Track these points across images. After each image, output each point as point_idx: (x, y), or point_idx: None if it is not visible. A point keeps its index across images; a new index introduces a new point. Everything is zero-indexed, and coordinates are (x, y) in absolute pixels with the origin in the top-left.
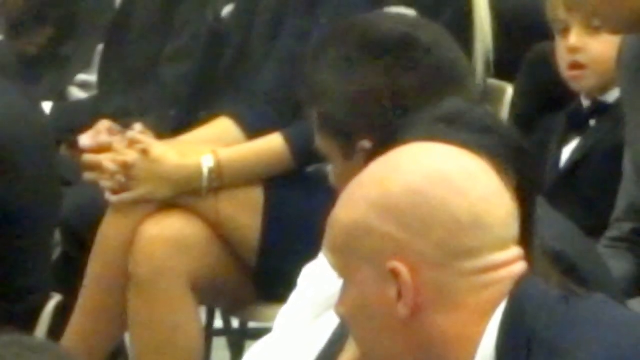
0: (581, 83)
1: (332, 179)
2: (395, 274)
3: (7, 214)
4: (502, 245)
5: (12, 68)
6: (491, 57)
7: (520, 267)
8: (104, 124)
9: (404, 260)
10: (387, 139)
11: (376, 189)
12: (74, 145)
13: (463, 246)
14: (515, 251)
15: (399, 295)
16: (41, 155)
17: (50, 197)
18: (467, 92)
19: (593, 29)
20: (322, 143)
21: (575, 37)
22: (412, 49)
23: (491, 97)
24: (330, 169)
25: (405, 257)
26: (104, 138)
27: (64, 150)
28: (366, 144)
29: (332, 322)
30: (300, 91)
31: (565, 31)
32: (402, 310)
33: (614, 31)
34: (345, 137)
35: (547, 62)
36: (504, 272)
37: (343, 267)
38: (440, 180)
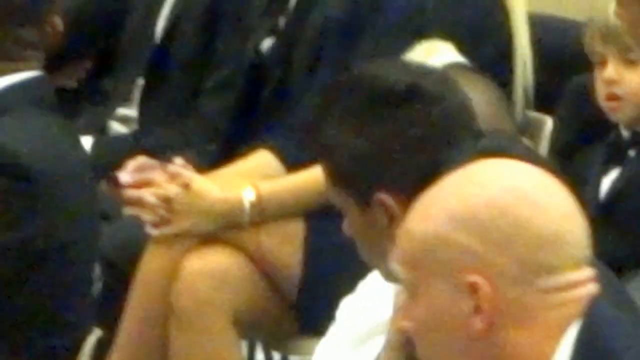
0: (618, 114)
1: (348, 229)
2: (474, 287)
3: (48, 249)
4: (578, 265)
5: (51, 102)
6: (531, 89)
7: (591, 288)
8: (139, 160)
9: (483, 274)
10: (406, 189)
11: (456, 202)
12: (113, 182)
13: (543, 263)
14: (588, 272)
15: (476, 309)
16: (81, 189)
17: (90, 232)
18: (477, 134)
19: (629, 61)
20: (334, 196)
21: (611, 69)
22: (419, 99)
23: (531, 129)
24: (345, 221)
25: (485, 271)
26: (144, 173)
27: (104, 185)
28: (383, 196)
29: (371, 354)
30: (309, 145)
31: (602, 63)
32: (478, 324)
33: None
34: (360, 191)
35: (587, 94)
36: (578, 292)
37: (414, 280)
38: (522, 196)
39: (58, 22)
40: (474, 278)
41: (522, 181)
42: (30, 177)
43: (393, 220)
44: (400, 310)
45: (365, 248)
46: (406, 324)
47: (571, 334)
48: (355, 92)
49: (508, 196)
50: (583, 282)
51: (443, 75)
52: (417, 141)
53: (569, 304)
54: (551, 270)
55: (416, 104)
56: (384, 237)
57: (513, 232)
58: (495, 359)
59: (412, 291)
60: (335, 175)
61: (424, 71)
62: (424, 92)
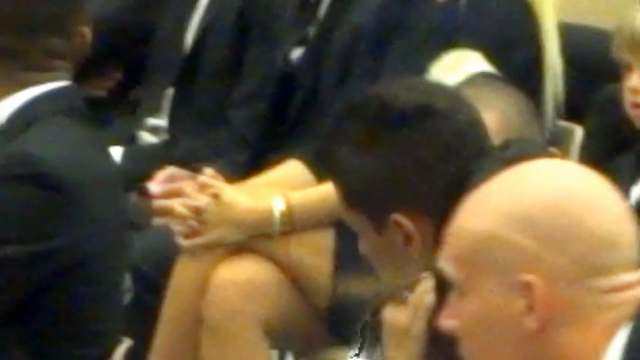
0: None
1: (363, 249)
2: (527, 286)
3: (78, 258)
4: (629, 267)
5: (81, 112)
6: (561, 99)
7: None
8: (168, 171)
9: (537, 273)
10: (421, 208)
11: (510, 201)
12: (143, 192)
13: (597, 263)
14: (638, 275)
15: (529, 308)
16: (110, 199)
17: (120, 242)
18: (489, 151)
19: None
20: (349, 217)
21: (637, 78)
22: (430, 118)
23: (561, 138)
24: (360, 240)
25: (539, 270)
26: (173, 184)
27: (134, 196)
28: (398, 217)
29: None
30: (321, 166)
31: (629, 71)
32: (531, 323)
33: None
34: (375, 213)
35: (616, 104)
36: (629, 294)
37: (465, 278)
38: (576, 196)
39: (87, 33)
40: (529, 277)
41: (575, 181)
42: (60, 187)
43: (409, 240)
44: (446, 309)
45: (381, 267)
46: (452, 323)
47: (622, 335)
48: (365, 114)
49: (564, 196)
50: (634, 284)
51: (453, 93)
52: (430, 160)
53: (621, 306)
54: (605, 271)
55: (427, 124)
56: (400, 257)
57: (569, 232)
58: (545, 359)
59: (462, 289)
60: (349, 197)
61: (434, 90)
62: (435, 111)
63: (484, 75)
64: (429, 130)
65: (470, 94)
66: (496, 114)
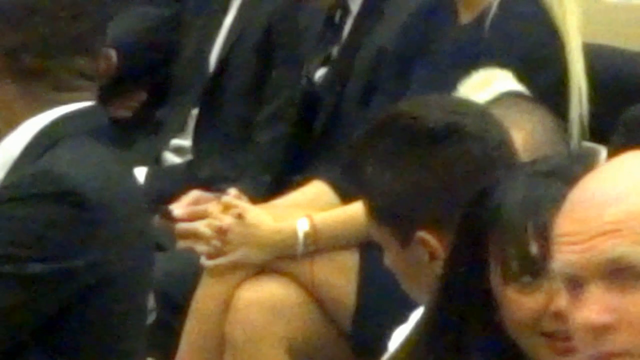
0: None
1: (388, 264)
2: None
3: (103, 278)
4: None
5: (106, 133)
6: (586, 119)
7: None
8: (193, 194)
9: None
10: (447, 226)
11: None
12: (167, 215)
13: None
14: None
15: None
16: (135, 220)
17: (145, 261)
18: (517, 170)
19: None
20: (375, 232)
21: None
22: (459, 138)
23: (586, 159)
24: (386, 255)
25: None
26: (197, 207)
27: (157, 218)
28: (424, 234)
29: None
30: (349, 179)
31: None
32: None
33: None
34: (401, 229)
35: None
36: None
37: None
38: None
39: (112, 54)
40: None
41: None
42: (86, 206)
43: (434, 257)
44: (594, 303)
45: (406, 281)
46: (607, 317)
47: None
48: (395, 130)
49: None
50: None
51: (482, 113)
52: (457, 179)
53: None
54: None
55: (455, 143)
56: (424, 273)
57: None
58: None
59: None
60: (375, 212)
61: (463, 109)
62: (463, 130)
63: (513, 95)
64: (457, 150)
65: (498, 113)
66: (523, 135)
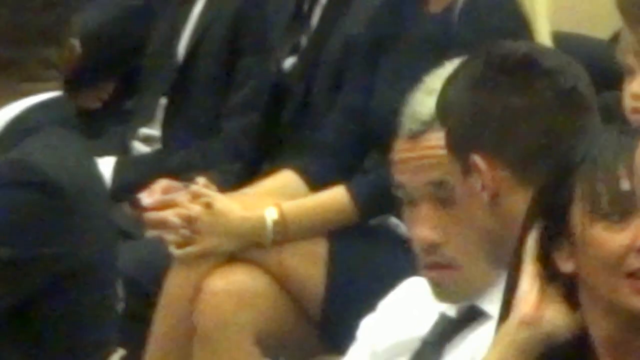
0: None
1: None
2: None
3: (75, 267)
4: None
5: (74, 122)
6: None
7: None
8: (162, 183)
9: None
10: (504, 156)
11: None
12: (136, 204)
13: None
14: None
15: None
16: (102, 209)
17: (112, 251)
18: (590, 122)
19: None
20: (449, 164)
21: (638, 84)
22: (528, 70)
23: None
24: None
25: None
26: (166, 196)
27: (127, 206)
28: (477, 158)
29: None
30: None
31: (631, 76)
32: None
33: None
34: (462, 153)
35: (611, 112)
36: None
37: None
38: None
39: (76, 44)
40: None
41: None
42: (61, 195)
43: (485, 187)
44: None
45: (483, 238)
46: None
47: None
48: (477, 58)
49: None
50: None
51: (571, 60)
52: (516, 111)
53: None
54: None
55: (524, 74)
56: (483, 212)
57: None
58: None
59: None
60: (447, 138)
61: (550, 51)
62: (536, 64)
63: None
64: (522, 82)
65: None
66: None
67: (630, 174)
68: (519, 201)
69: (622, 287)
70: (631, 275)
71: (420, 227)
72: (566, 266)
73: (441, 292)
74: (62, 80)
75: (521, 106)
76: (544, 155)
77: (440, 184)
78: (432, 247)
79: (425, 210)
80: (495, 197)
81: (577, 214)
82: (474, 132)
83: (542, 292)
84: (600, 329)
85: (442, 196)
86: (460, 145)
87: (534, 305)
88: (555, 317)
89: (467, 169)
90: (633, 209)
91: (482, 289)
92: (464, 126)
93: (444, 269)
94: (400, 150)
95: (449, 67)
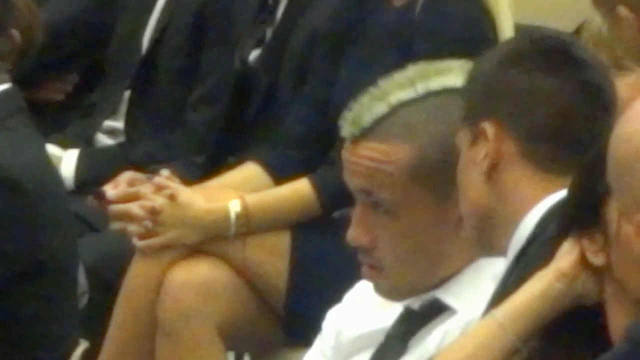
0: None
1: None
2: None
3: (34, 262)
4: None
5: (26, 114)
6: None
7: None
8: (126, 175)
9: None
10: (515, 129)
11: None
12: (100, 196)
13: None
14: None
15: None
16: (62, 202)
17: (71, 243)
18: (607, 125)
19: (620, 70)
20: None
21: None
22: (562, 55)
23: None
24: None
25: None
26: (130, 188)
27: (90, 199)
28: (487, 124)
29: None
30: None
31: None
32: None
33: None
34: (475, 120)
35: None
36: None
37: None
38: None
39: (16, 34)
40: None
41: None
42: (23, 191)
43: (488, 155)
44: None
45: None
46: None
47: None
48: (519, 39)
49: None
50: None
51: (597, 56)
52: (546, 90)
53: None
54: None
55: (560, 59)
56: (476, 184)
57: None
58: None
59: None
60: (465, 107)
61: (583, 44)
62: (568, 53)
63: (443, 95)
64: (566, 70)
65: (404, 117)
66: (411, 148)
67: None
68: (515, 176)
69: None
70: None
71: (352, 227)
72: (596, 259)
73: (376, 290)
74: (9, 71)
75: (546, 86)
76: (553, 138)
77: (368, 193)
78: (363, 248)
79: (358, 212)
80: (493, 167)
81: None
82: (492, 100)
83: (582, 256)
84: (622, 323)
85: (372, 202)
86: (475, 113)
87: (574, 263)
88: (589, 281)
89: (475, 138)
90: None
91: (440, 285)
92: (484, 94)
93: (373, 269)
94: (344, 150)
95: (410, 70)
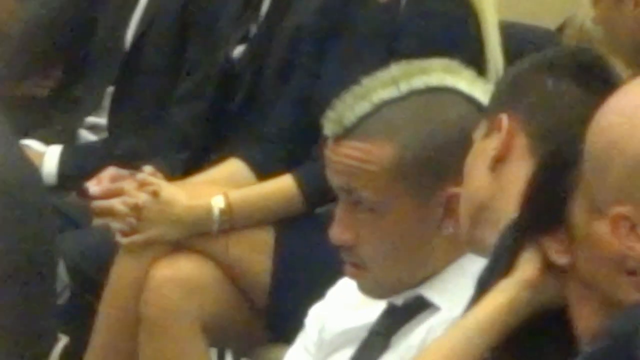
0: None
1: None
2: None
3: (17, 262)
4: None
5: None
6: None
7: None
8: (109, 171)
9: None
10: (527, 121)
11: None
12: (84, 193)
13: None
14: None
15: None
16: (40, 198)
17: (51, 240)
18: None
19: None
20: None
21: None
22: (595, 68)
23: None
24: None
25: None
26: (113, 184)
27: (73, 195)
28: (504, 117)
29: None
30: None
31: None
32: None
33: (628, 64)
34: (494, 113)
35: None
36: None
37: None
38: None
39: None
40: None
41: None
42: (6, 190)
43: (500, 157)
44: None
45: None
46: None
47: None
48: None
49: None
50: None
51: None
52: (571, 96)
53: None
54: None
55: (593, 72)
56: (481, 175)
57: None
58: None
59: None
60: (490, 101)
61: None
62: (607, 68)
63: (427, 94)
64: (596, 84)
65: (386, 116)
66: (394, 147)
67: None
68: (518, 172)
69: (623, 283)
70: (632, 272)
71: (335, 225)
72: (560, 259)
73: (360, 288)
74: None
75: (572, 93)
76: (566, 142)
77: (351, 191)
78: (345, 246)
79: (341, 210)
80: (500, 159)
81: (579, 209)
82: (515, 96)
83: (545, 262)
84: (590, 324)
85: (354, 200)
86: (496, 106)
87: (539, 270)
88: (554, 286)
89: (490, 129)
90: None
91: (424, 282)
92: (510, 89)
93: (356, 267)
94: (327, 148)
95: (393, 69)
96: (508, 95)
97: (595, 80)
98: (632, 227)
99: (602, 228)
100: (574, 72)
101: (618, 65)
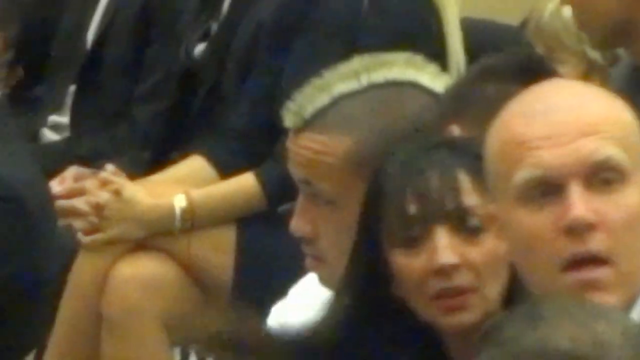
0: None
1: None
2: None
3: (27, 286)
4: None
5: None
6: None
7: None
8: (72, 170)
9: None
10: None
11: None
12: None
13: None
14: None
15: None
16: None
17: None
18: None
19: (556, 61)
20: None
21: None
22: (530, 70)
23: None
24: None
25: None
26: (76, 183)
27: None
28: (455, 129)
29: None
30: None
31: None
32: None
33: (599, 45)
34: (444, 123)
35: None
36: None
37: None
38: None
39: None
40: None
41: None
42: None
43: None
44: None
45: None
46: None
47: None
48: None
49: None
50: None
51: None
52: (510, 96)
53: None
54: None
55: (536, 73)
56: None
57: None
58: None
59: (624, 178)
60: (438, 106)
61: None
62: (549, 68)
63: (387, 88)
64: (535, 82)
65: (347, 107)
66: (350, 140)
67: (418, 197)
68: None
69: (431, 308)
70: (436, 297)
71: (295, 217)
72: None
73: (320, 280)
74: None
75: (513, 95)
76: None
77: (309, 183)
78: (305, 239)
79: (301, 202)
80: None
81: (384, 244)
82: (461, 108)
83: None
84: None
85: (313, 192)
86: (444, 119)
87: None
88: None
89: None
90: (424, 232)
91: None
92: (454, 102)
93: (317, 260)
94: (287, 140)
95: (355, 62)
96: (454, 108)
97: (536, 78)
98: None
99: (399, 257)
100: (517, 75)
101: (565, 64)
